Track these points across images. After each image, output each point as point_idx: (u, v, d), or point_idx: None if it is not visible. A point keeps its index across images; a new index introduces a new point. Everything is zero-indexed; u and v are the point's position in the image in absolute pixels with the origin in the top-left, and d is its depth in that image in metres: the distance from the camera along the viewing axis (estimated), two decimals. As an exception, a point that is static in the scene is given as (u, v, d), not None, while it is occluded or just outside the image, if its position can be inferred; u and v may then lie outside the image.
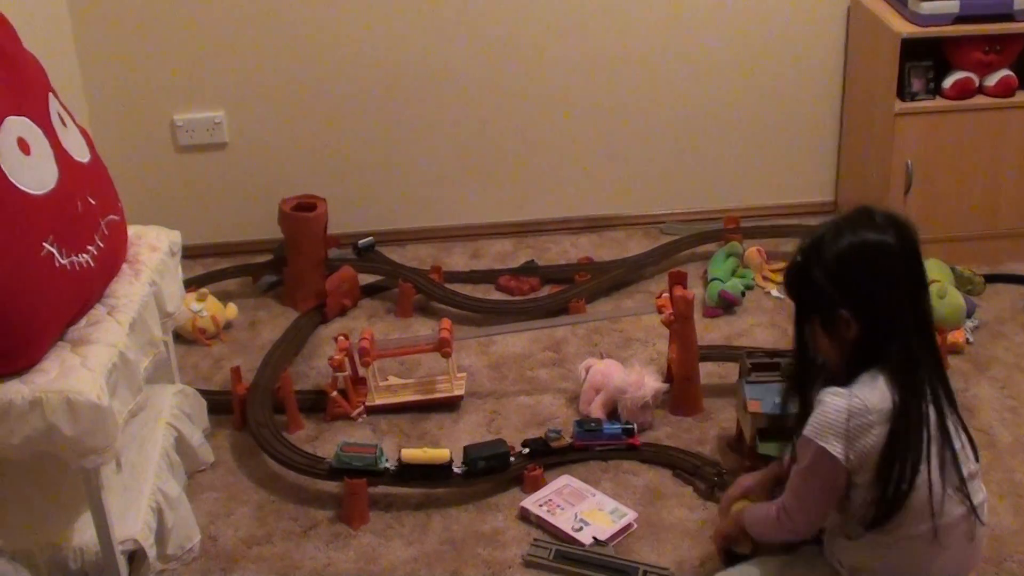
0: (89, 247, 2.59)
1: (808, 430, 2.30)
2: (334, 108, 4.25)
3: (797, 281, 2.42)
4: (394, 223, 4.43)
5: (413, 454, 3.02)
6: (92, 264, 2.58)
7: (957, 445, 2.32)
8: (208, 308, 3.78)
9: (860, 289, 2.31)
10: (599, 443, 3.19)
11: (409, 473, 3.02)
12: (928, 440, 2.27)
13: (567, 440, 3.19)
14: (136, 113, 4.13)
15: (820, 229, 2.38)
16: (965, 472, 2.32)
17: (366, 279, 4.08)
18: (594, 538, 2.86)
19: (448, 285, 4.03)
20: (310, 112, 4.24)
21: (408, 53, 4.20)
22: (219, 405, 3.39)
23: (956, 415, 2.37)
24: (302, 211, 3.90)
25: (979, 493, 2.37)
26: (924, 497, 2.26)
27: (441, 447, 3.08)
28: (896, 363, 2.29)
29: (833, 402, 2.28)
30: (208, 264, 4.19)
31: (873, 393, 2.27)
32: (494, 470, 3.07)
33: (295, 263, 3.93)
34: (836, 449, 2.26)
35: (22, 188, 2.40)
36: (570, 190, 4.49)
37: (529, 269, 4.17)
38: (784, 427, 2.99)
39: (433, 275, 4.05)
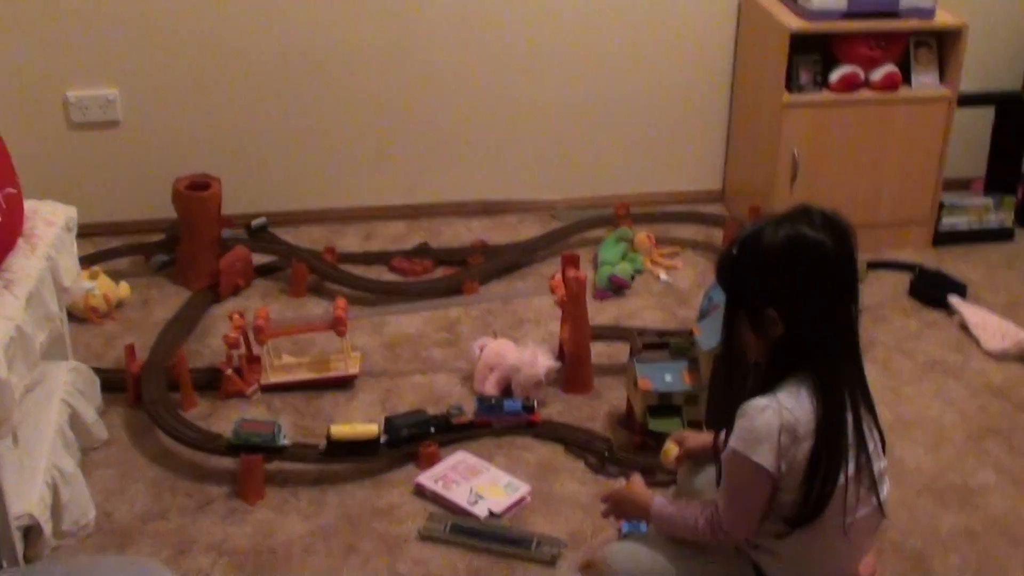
0: (-14, 219, 2.58)
1: (739, 445, 2.27)
2: (229, 88, 4.24)
3: (729, 273, 2.39)
4: (287, 204, 4.43)
5: (342, 430, 3.04)
6: (-11, 236, 2.57)
7: (871, 447, 2.33)
8: (100, 286, 3.76)
9: (789, 288, 2.27)
10: (500, 419, 3.24)
11: (338, 449, 3.04)
12: (846, 446, 2.28)
13: (468, 416, 3.24)
14: (29, 89, 4.07)
15: (758, 223, 2.34)
16: (876, 471, 2.34)
17: (260, 259, 4.09)
18: (489, 511, 2.91)
19: (342, 266, 4.06)
20: (205, 92, 4.22)
21: (304, 34, 4.21)
22: (112, 383, 3.38)
23: (872, 416, 2.38)
24: (196, 190, 3.89)
25: (885, 488, 2.41)
26: (839, 498, 2.28)
27: (337, 424, 3.10)
28: (819, 372, 2.27)
29: (763, 418, 2.24)
30: (100, 243, 4.15)
31: (800, 406, 2.24)
32: (416, 438, 3.11)
33: (188, 242, 3.92)
34: (769, 462, 2.24)
35: (-80, 158, 2.39)
36: (464, 174, 4.54)
37: (422, 251, 4.21)
38: (672, 405, 3.10)
39: (327, 256, 4.07)
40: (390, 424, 3.11)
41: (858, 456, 2.29)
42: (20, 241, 2.80)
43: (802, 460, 2.24)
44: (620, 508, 2.64)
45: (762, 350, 2.33)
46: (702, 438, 2.67)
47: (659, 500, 2.51)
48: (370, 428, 3.06)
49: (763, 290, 2.27)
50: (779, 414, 2.22)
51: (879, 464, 2.37)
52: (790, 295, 2.25)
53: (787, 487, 2.30)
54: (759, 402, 2.25)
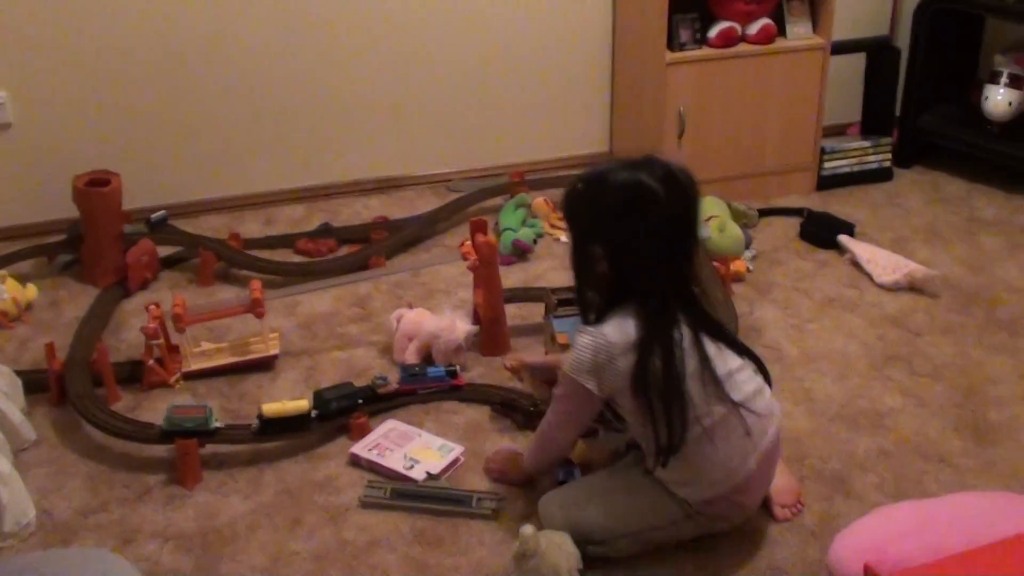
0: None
1: (566, 367, 2.55)
2: (119, 83, 4.22)
3: (568, 206, 2.58)
4: (184, 195, 4.43)
5: (273, 408, 3.07)
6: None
7: (711, 351, 2.52)
8: (8, 290, 3.73)
9: (616, 229, 2.45)
10: (425, 386, 3.30)
11: (271, 427, 3.08)
12: (682, 359, 2.47)
13: (393, 386, 3.29)
14: None
15: (606, 164, 2.52)
16: (723, 372, 2.52)
17: (165, 251, 4.09)
18: (427, 473, 2.97)
19: (247, 251, 4.08)
20: (94, 89, 4.20)
21: (191, 22, 4.21)
22: (33, 384, 3.36)
23: (714, 330, 2.57)
24: (96, 186, 3.88)
25: (745, 386, 2.58)
26: (691, 410, 2.49)
27: (267, 403, 3.13)
28: (642, 302, 2.48)
29: (581, 341, 2.51)
30: (0, 247, 4.11)
31: (617, 329, 2.48)
32: (346, 409, 3.16)
33: (92, 239, 3.91)
34: (589, 383, 2.52)
35: None
36: (358, 153, 4.58)
37: (325, 231, 4.25)
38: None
39: (232, 242, 4.09)
40: (319, 398, 3.16)
41: (699, 366, 2.50)
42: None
43: (626, 376, 2.48)
44: (503, 475, 2.96)
45: (594, 285, 2.58)
46: (542, 358, 3.14)
47: (525, 453, 2.90)
48: (300, 404, 3.10)
49: (593, 227, 2.48)
50: (594, 338, 2.49)
51: (728, 365, 2.56)
52: (616, 236, 2.46)
53: (632, 412, 2.55)
54: (581, 334, 2.52)
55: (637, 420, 2.56)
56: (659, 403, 2.47)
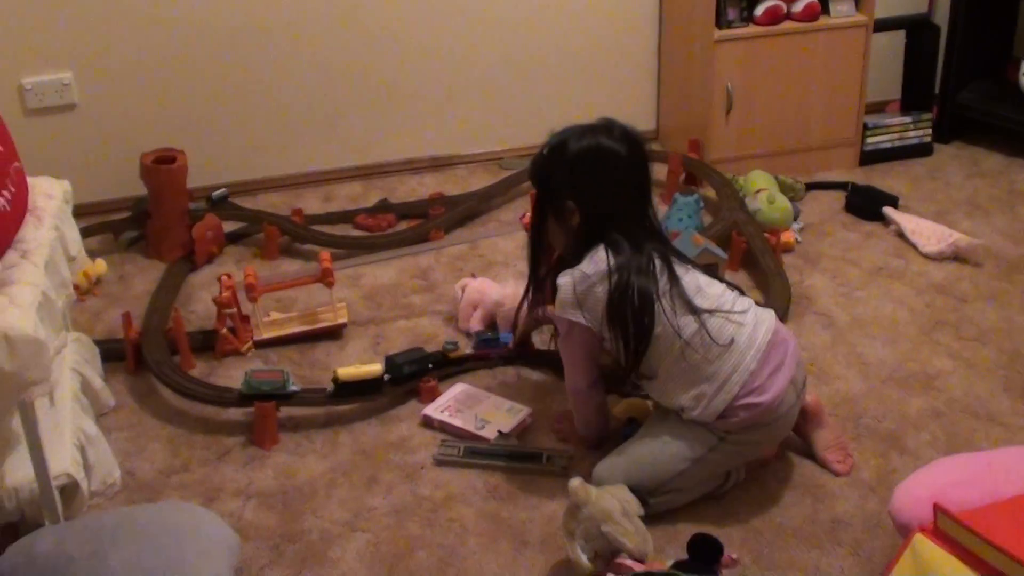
0: (3, 192, 2.66)
1: (557, 310, 2.81)
2: (181, 63, 4.33)
3: (538, 170, 2.89)
4: (245, 174, 4.55)
5: (348, 372, 3.18)
6: (7, 208, 2.66)
7: (680, 271, 2.76)
8: (76, 265, 3.83)
9: (586, 185, 2.76)
10: (498, 351, 3.41)
11: (345, 390, 3.18)
12: (655, 280, 2.72)
13: (464, 350, 3.41)
14: None
15: (567, 131, 2.84)
16: (692, 288, 2.75)
17: (228, 227, 4.21)
18: (498, 431, 3.08)
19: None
20: (157, 69, 4.31)
21: (253, 4, 4.32)
22: (108, 353, 3.46)
23: (681, 257, 2.84)
24: (162, 164, 3.99)
25: (718, 298, 2.77)
26: (664, 325, 2.71)
27: (342, 367, 3.23)
28: (611, 238, 2.74)
29: (562, 281, 2.77)
30: (67, 226, 4.22)
31: (590, 262, 2.74)
32: (417, 373, 3.27)
33: (159, 215, 4.02)
34: (577, 317, 2.76)
35: (-58, 135, 2.48)
36: (413, 132, 4.69)
37: (384, 207, 4.35)
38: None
39: (295, 217, 4.19)
40: (391, 362, 3.26)
41: (670, 287, 2.73)
42: (26, 214, 2.89)
43: (603, 301, 2.72)
44: (567, 435, 3.11)
45: (564, 237, 2.85)
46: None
47: (575, 418, 3.05)
48: (374, 368, 3.21)
49: (565, 186, 2.79)
50: (571, 275, 2.75)
51: (696, 282, 2.78)
52: (587, 190, 2.77)
53: (610, 337, 2.76)
54: (560, 275, 2.79)
55: (618, 342, 2.76)
56: (632, 317, 2.70)
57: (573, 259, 2.79)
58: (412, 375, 3.27)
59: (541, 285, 3.03)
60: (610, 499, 2.56)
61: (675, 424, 2.78)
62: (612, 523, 2.50)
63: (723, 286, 2.84)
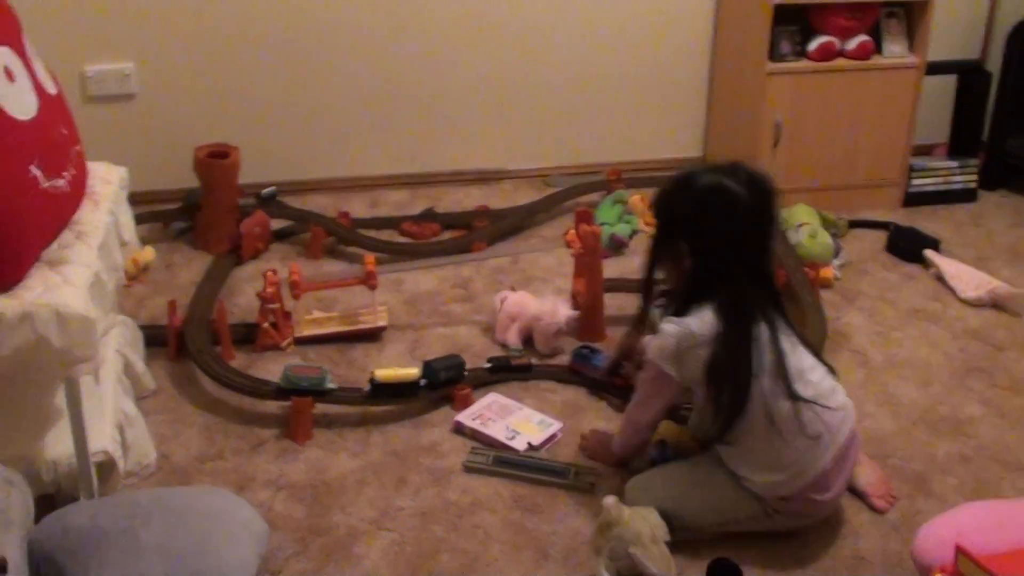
0: (64, 173, 2.72)
1: (651, 354, 2.75)
2: (239, 62, 4.42)
3: (659, 204, 2.77)
4: (295, 174, 4.62)
5: (386, 374, 3.24)
6: (68, 189, 2.73)
7: (786, 348, 2.65)
8: (128, 250, 3.90)
9: (700, 227, 2.64)
10: (592, 370, 3.42)
11: (382, 391, 3.24)
12: (760, 355, 2.62)
13: (527, 359, 3.49)
14: (47, 64, 4.19)
15: (695, 167, 2.71)
16: (795, 370, 2.65)
17: (275, 224, 4.28)
18: (528, 444, 3.12)
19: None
20: (216, 66, 4.40)
21: (312, 9, 4.40)
22: (151, 338, 3.53)
23: (794, 331, 2.73)
24: (216, 158, 4.06)
25: (817, 384, 2.69)
26: (759, 403, 2.62)
27: (380, 368, 3.29)
28: (723, 296, 2.63)
29: (667, 330, 2.67)
30: (120, 213, 4.29)
31: (700, 321, 2.63)
32: (453, 380, 3.31)
33: (209, 208, 4.10)
34: (670, 368, 2.70)
35: (11, 114, 2.53)
36: (461, 144, 4.76)
37: (430, 216, 4.41)
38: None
39: (341, 220, 4.26)
40: (428, 368, 3.30)
41: (774, 364, 2.63)
42: (84, 198, 2.96)
43: (702, 366, 2.63)
44: (593, 455, 3.10)
45: (677, 279, 2.74)
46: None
47: (615, 438, 3.03)
48: (411, 371, 3.26)
49: (681, 224, 2.67)
50: (679, 328, 2.66)
51: (800, 363, 2.68)
52: (701, 233, 2.64)
53: (700, 394, 2.74)
54: (667, 323, 2.70)
55: (707, 405, 2.72)
56: (728, 392, 2.63)
57: (680, 304, 2.73)
58: (448, 381, 3.31)
59: (644, 317, 2.98)
60: (642, 522, 2.60)
61: (727, 480, 2.76)
62: (640, 546, 2.54)
63: (823, 370, 2.75)
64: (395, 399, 3.27)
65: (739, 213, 2.59)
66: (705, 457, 2.87)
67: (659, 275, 2.84)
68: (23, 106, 2.59)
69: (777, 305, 2.71)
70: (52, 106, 2.75)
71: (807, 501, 2.72)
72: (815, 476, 2.69)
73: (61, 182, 2.70)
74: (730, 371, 2.62)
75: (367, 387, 3.26)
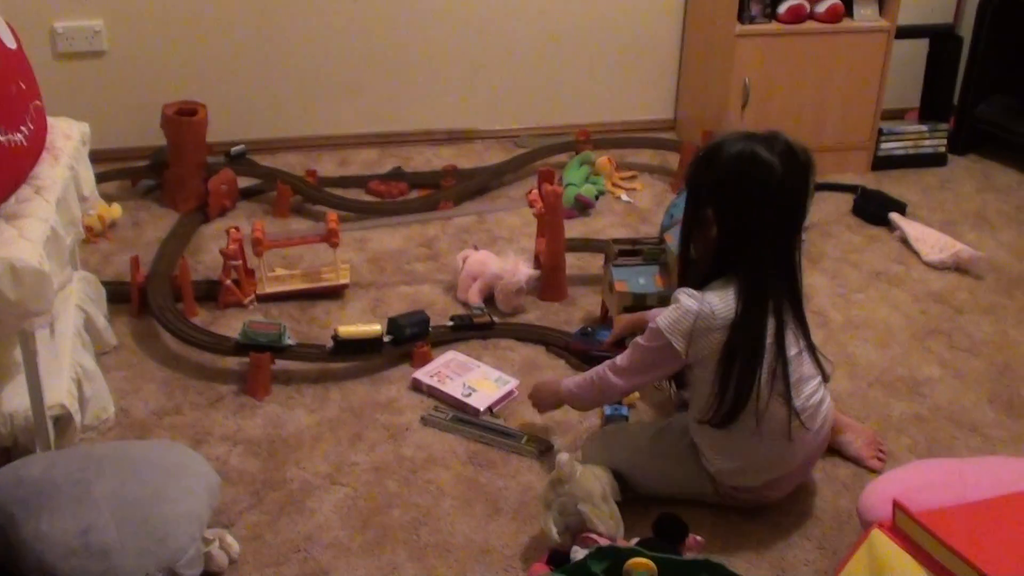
0: (22, 127, 2.73)
1: (661, 322, 2.58)
2: (210, 19, 4.41)
3: (689, 169, 2.66)
4: (264, 132, 4.62)
5: (349, 330, 3.26)
6: (24, 143, 2.73)
7: (792, 353, 2.59)
8: (94, 207, 3.91)
9: (727, 196, 2.52)
10: (593, 347, 3.37)
11: (345, 348, 3.26)
12: (763, 349, 2.54)
13: (488, 317, 3.52)
14: (15, 20, 4.05)
15: (731, 133, 2.57)
16: (794, 378, 2.59)
17: (243, 183, 4.29)
18: (488, 408, 3.14)
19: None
20: (186, 23, 4.39)
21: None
22: (114, 295, 3.55)
23: (802, 328, 2.64)
24: (184, 115, 4.07)
25: (808, 397, 2.65)
26: (754, 398, 2.57)
27: (344, 325, 3.31)
28: (745, 276, 2.54)
29: (686, 304, 2.55)
30: (86, 168, 4.31)
31: (721, 302, 2.53)
32: (417, 336, 3.35)
33: (177, 165, 4.10)
34: (679, 344, 2.56)
35: (-35, 68, 2.55)
36: (432, 104, 4.76)
37: (397, 175, 4.42)
38: (646, 306, 3.33)
39: (309, 178, 4.27)
40: (394, 324, 3.33)
41: (773, 360, 2.55)
42: (44, 152, 2.97)
43: (715, 350, 2.55)
44: (537, 399, 3.01)
45: (703, 249, 2.63)
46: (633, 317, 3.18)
47: (566, 381, 2.88)
48: (375, 327, 3.28)
49: (708, 191, 2.56)
50: (700, 304, 2.54)
51: (801, 371, 2.62)
52: (727, 201, 2.53)
53: (703, 378, 2.62)
54: (687, 296, 2.56)
55: (704, 386, 2.62)
56: (735, 380, 2.55)
57: (701, 276, 2.62)
58: (413, 337, 3.34)
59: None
60: (593, 480, 2.61)
61: (686, 455, 2.75)
62: (590, 504, 2.56)
63: (817, 382, 2.68)
64: (359, 355, 3.29)
65: (769, 183, 2.46)
66: (670, 425, 2.86)
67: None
68: (-23, 60, 2.60)
69: (795, 302, 2.62)
70: (9, 60, 2.75)
71: (759, 495, 2.75)
72: (777, 476, 2.71)
73: (18, 136, 2.71)
74: (745, 359, 2.54)
75: (330, 344, 3.27)
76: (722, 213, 2.53)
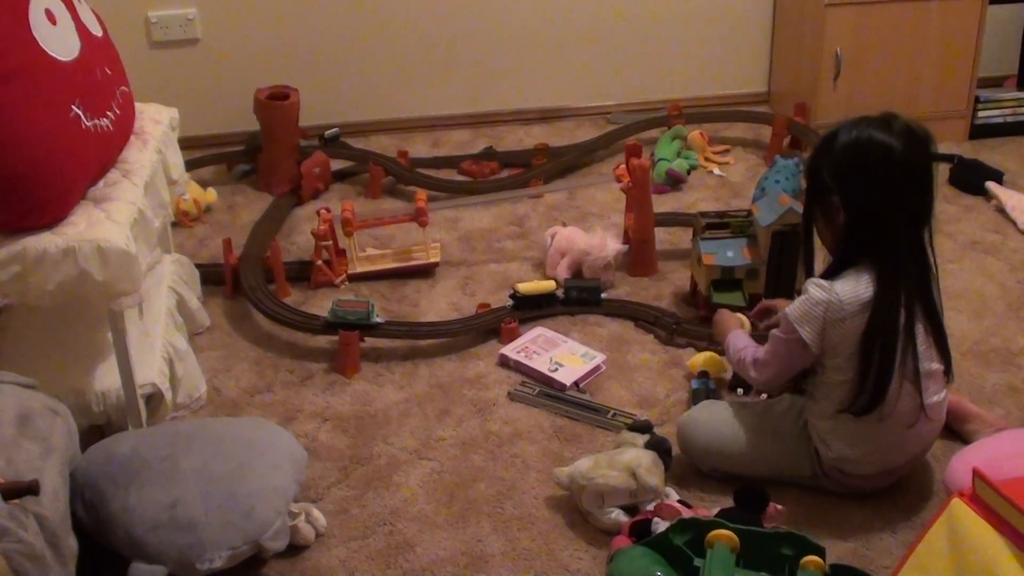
0: (108, 113, 2.80)
1: (792, 313, 2.57)
2: (300, 4, 4.47)
3: (811, 157, 2.65)
4: (357, 115, 4.67)
5: (527, 287, 3.45)
6: (111, 128, 2.80)
7: (921, 346, 2.55)
8: (190, 192, 4.00)
9: (852, 181, 2.50)
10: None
11: (524, 302, 3.45)
12: (897, 335, 2.51)
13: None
14: (111, 10, 4.20)
15: (849, 119, 2.55)
16: (923, 369, 2.56)
17: (336, 165, 4.34)
18: (575, 384, 3.14)
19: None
20: (277, 8, 4.46)
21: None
22: (209, 276, 3.63)
23: (935, 318, 2.60)
24: (276, 100, 4.12)
25: (933, 395, 2.61)
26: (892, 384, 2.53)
27: (421, 309, 3.36)
28: (879, 262, 2.50)
29: (816, 294, 2.52)
30: (183, 155, 4.34)
31: (854, 288, 2.50)
32: (586, 301, 3.47)
33: (270, 150, 4.17)
34: (808, 336, 2.54)
35: (52, 55, 2.61)
36: (523, 83, 4.77)
37: (489, 154, 4.44)
38: (734, 279, 3.32)
39: (401, 160, 4.31)
40: (566, 286, 3.49)
41: (905, 348, 2.52)
42: (132, 137, 3.04)
43: (851, 337, 2.51)
44: (714, 327, 3.08)
45: (830, 237, 2.60)
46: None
47: (735, 337, 2.88)
48: (549, 284, 3.49)
49: (831, 178, 2.52)
50: (828, 295, 2.50)
51: (930, 365, 2.58)
52: (851, 187, 2.50)
53: (836, 366, 2.57)
54: (816, 286, 2.53)
55: (837, 374, 2.60)
56: (875, 366, 2.51)
57: (834, 265, 2.58)
58: (580, 301, 3.47)
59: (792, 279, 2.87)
60: (599, 483, 2.63)
61: (794, 435, 2.73)
62: (588, 478, 2.62)
63: (940, 367, 2.64)
64: (536, 310, 3.45)
65: (892, 162, 2.45)
66: (776, 405, 2.83)
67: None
68: (65, 48, 2.67)
69: (925, 294, 2.58)
70: (95, 47, 2.82)
71: (869, 481, 2.71)
72: (894, 466, 2.68)
73: (105, 122, 2.77)
74: (883, 345, 2.50)
75: (509, 300, 3.46)
76: (847, 198, 2.51)
